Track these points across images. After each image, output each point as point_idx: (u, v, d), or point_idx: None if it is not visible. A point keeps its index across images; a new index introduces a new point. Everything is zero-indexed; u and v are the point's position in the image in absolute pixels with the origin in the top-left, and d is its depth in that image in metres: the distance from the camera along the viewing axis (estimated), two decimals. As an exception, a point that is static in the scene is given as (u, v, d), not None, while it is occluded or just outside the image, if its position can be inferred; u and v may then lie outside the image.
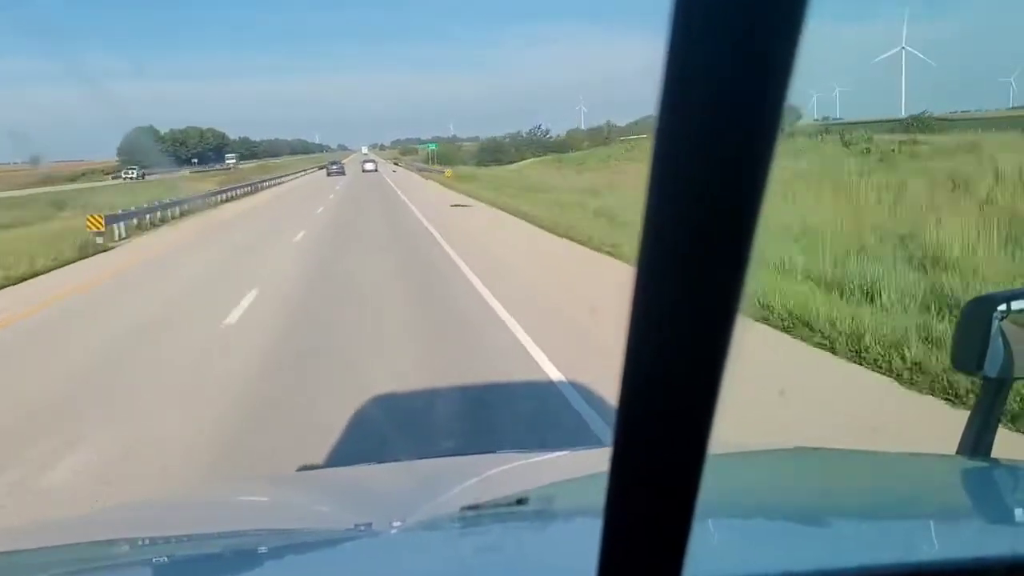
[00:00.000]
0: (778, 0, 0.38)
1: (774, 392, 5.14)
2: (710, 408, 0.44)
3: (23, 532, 1.70)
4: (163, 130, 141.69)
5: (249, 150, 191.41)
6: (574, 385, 5.87)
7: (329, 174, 66.40)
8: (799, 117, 59.61)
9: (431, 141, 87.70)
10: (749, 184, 0.40)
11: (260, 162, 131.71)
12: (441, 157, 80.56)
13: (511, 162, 76.83)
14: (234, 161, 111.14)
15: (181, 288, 12.24)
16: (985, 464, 1.38)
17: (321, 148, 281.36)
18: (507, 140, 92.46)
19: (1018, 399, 4.81)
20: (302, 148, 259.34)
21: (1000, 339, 1.34)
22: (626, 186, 27.30)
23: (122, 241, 20.70)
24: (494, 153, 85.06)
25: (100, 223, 19.60)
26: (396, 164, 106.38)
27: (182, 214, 28.23)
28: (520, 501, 1.18)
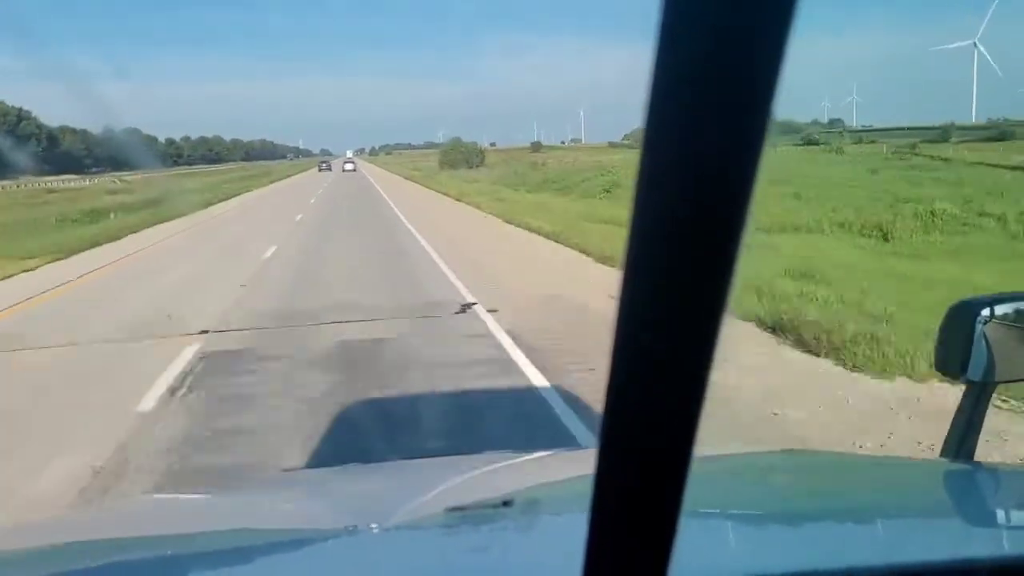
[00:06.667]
0: (765, 7, 0.38)
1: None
2: (696, 409, 0.44)
3: (11, 531, 1.69)
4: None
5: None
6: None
7: (320, 170, 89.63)
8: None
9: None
10: (737, 190, 0.40)
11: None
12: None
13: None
14: None
15: None
16: (968, 467, 1.40)
17: (299, 152, 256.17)
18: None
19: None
20: (266, 152, 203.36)
21: (983, 343, 1.35)
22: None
23: None
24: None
25: None
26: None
27: None
28: (506, 502, 1.18)
